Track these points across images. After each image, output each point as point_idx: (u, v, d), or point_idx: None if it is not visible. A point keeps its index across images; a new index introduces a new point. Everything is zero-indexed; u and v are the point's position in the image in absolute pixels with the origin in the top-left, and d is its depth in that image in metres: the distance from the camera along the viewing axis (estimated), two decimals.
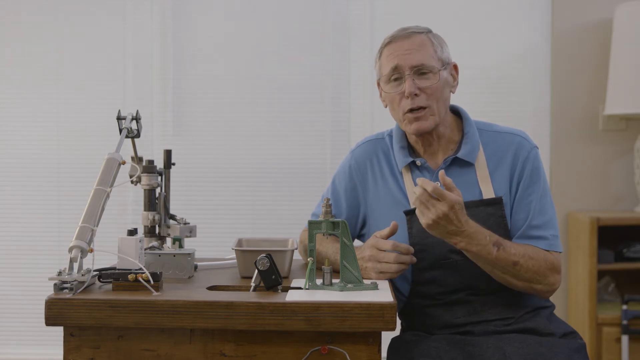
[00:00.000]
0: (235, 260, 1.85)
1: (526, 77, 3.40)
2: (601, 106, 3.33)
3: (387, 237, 1.76)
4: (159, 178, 2.01)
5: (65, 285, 1.52)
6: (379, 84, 1.94)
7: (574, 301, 3.23)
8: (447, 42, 1.93)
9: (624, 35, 3.15)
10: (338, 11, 3.44)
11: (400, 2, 3.41)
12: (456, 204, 1.64)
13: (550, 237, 1.82)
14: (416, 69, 1.83)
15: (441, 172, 1.67)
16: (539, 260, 1.76)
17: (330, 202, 1.69)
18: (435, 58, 1.85)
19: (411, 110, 1.84)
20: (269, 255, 1.58)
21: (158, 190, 2.00)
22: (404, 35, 1.87)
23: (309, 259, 1.62)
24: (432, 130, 1.87)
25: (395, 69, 1.85)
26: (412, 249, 1.77)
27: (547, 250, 1.81)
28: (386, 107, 1.94)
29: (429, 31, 1.90)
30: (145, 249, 1.79)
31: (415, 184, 1.88)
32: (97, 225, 1.59)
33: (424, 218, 1.66)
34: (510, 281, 1.77)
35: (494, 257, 1.71)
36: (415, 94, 1.83)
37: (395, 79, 1.86)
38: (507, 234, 1.82)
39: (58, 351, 2.40)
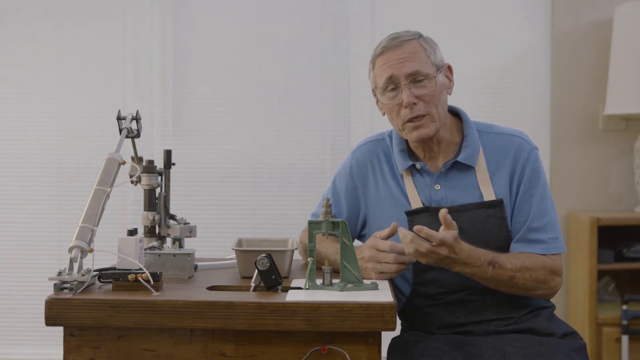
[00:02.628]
0: (235, 260, 1.85)
1: (526, 77, 3.40)
2: (601, 106, 3.33)
3: (387, 237, 1.76)
4: (159, 178, 2.01)
5: (65, 285, 1.52)
6: (374, 93, 1.93)
7: (574, 301, 3.23)
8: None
9: (624, 36, 3.15)
10: (338, 11, 3.44)
11: (400, 2, 3.41)
12: (454, 243, 1.64)
13: (548, 240, 1.82)
14: (412, 78, 1.82)
15: (442, 212, 1.64)
16: (537, 270, 1.77)
17: (330, 202, 1.69)
18: (429, 64, 1.84)
19: (411, 120, 1.83)
20: (269, 255, 1.58)
21: (158, 190, 2.00)
22: (396, 44, 1.84)
23: (309, 259, 1.62)
24: (433, 136, 1.87)
25: (390, 79, 1.84)
26: None
27: (545, 255, 1.81)
28: (384, 114, 1.93)
29: (419, 36, 1.88)
30: (145, 249, 1.79)
31: (416, 187, 1.88)
32: (97, 225, 1.59)
33: (424, 260, 1.67)
34: (509, 291, 1.79)
35: (490, 276, 1.72)
36: (414, 103, 1.82)
37: (392, 90, 1.85)
38: (508, 236, 1.83)
39: (58, 351, 2.40)
